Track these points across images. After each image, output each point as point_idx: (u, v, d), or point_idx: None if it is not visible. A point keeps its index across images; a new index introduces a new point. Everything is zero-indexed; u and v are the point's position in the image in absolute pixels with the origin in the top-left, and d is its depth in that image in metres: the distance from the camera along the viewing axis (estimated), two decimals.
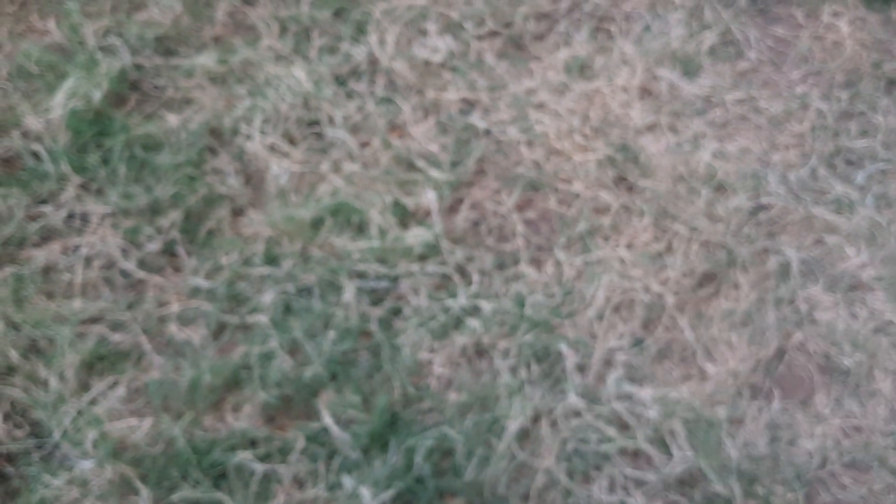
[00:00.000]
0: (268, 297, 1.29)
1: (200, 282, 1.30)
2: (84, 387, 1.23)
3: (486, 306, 1.30)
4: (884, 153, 1.46)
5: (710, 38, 1.54)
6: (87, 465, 1.16)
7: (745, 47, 1.55)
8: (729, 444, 1.22)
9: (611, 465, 1.21)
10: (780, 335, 1.31)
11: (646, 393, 1.24)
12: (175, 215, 1.34)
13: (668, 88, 1.49)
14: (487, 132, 1.44)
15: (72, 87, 1.42)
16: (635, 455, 1.22)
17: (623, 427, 1.23)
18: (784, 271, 1.35)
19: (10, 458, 1.18)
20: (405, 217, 1.36)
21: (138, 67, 1.48)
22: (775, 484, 1.21)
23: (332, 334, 1.26)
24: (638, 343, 1.29)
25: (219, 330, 1.28)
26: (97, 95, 1.42)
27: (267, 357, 1.25)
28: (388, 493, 1.16)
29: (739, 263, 1.34)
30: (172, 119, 1.42)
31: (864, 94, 1.52)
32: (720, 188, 1.40)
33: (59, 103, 1.40)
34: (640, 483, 1.20)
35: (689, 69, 1.51)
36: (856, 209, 1.40)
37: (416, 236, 1.33)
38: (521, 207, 1.40)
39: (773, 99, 1.50)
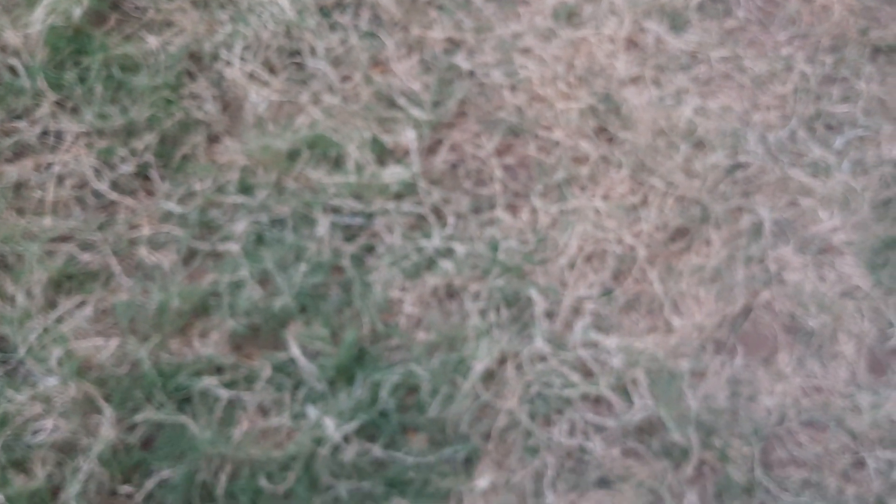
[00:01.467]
0: (240, 226, 1.28)
1: (173, 206, 1.29)
2: (51, 304, 1.22)
3: (460, 249, 1.30)
4: (863, 120, 1.46)
5: None
6: (51, 382, 1.16)
7: (734, 5, 1.54)
8: (689, 395, 1.24)
9: (572, 409, 1.22)
10: (747, 293, 1.32)
11: (611, 342, 1.26)
12: (150, 138, 1.32)
13: (655, 41, 1.48)
14: (471, 74, 1.43)
15: (52, 2, 1.39)
16: (597, 401, 1.24)
17: (587, 374, 1.25)
18: (756, 230, 1.36)
19: None
20: (383, 154, 1.35)
21: None
22: (732, 437, 1.23)
23: (303, 267, 1.26)
24: (607, 293, 1.30)
25: (189, 256, 1.27)
26: (77, 12, 1.39)
27: (237, 285, 1.24)
28: (352, 425, 1.17)
29: (713, 220, 1.35)
30: (152, 41, 1.39)
31: (848, 59, 1.52)
32: (699, 144, 1.40)
33: (39, 18, 1.37)
34: (599, 428, 1.22)
35: (677, 23, 1.50)
36: (832, 173, 1.41)
37: (393, 174, 1.33)
38: (500, 152, 1.39)
39: (758, 59, 1.50)
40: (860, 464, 1.25)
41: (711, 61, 1.49)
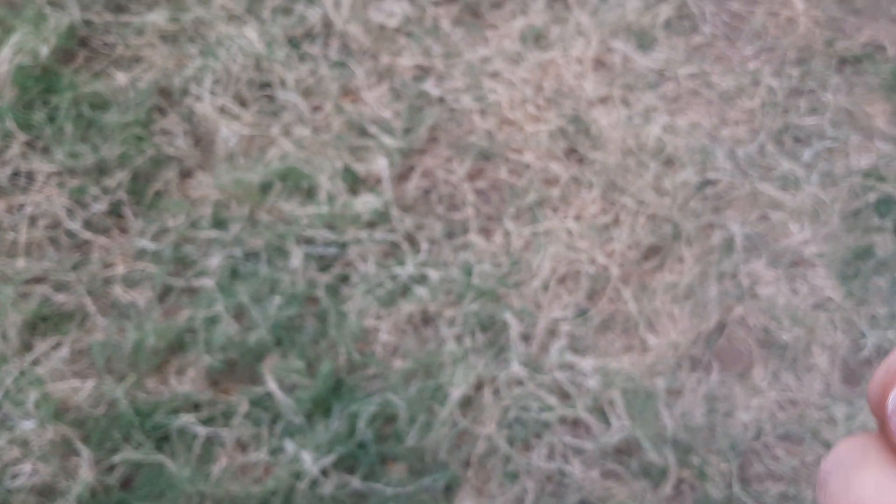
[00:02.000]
0: (214, 260, 1.28)
1: (146, 244, 1.29)
2: (27, 347, 1.22)
3: (434, 274, 1.31)
4: (831, 131, 1.48)
5: (665, 10, 1.54)
6: (28, 426, 1.16)
7: (700, 21, 1.56)
8: (666, 414, 1.25)
9: (550, 433, 1.23)
10: (721, 309, 1.33)
11: (587, 363, 1.27)
12: (122, 176, 1.33)
13: (622, 61, 1.49)
14: (441, 100, 1.44)
15: (19, 41, 1.39)
16: (574, 424, 1.25)
17: (564, 396, 1.25)
18: (728, 246, 1.37)
19: None
20: (355, 183, 1.36)
21: (88, 23, 1.45)
22: (710, 454, 1.24)
23: (278, 299, 1.26)
24: (582, 314, 1.31)
25: (164, 293, 1.28)
26: (44, 51, 1.39)
27: (212, 321, 1.25)
28: (330, 458, 1.17)
29: (684, 237, 1.36)
30: (121, 77, 1.40)
31: (815, 71, 1.53)
32: (669, 162, 1.42)
33: (6, 58, 1.37)
34: (578, 451, 1.23)
35: (644, 42, 1.51)
36: (801, 186, 1.42)
37: (365, 203, 1.33)
38: (472, 177, 1.40)
39: (726, 74, 1.51)
40: None
41: (679, 78, 1.50)
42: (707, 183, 1.41)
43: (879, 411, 0.24)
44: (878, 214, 1.41)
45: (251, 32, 1.44)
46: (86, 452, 1.15)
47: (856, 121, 1.50)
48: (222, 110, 1.39)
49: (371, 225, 1.33)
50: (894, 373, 0.24)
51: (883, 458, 0.24)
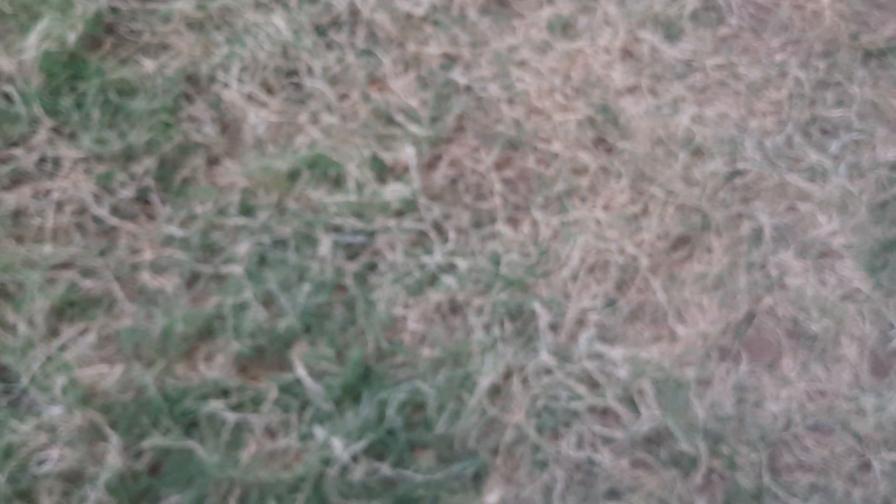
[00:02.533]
0: (242, 247, 1.28)
1: (174, 230, 1.29)
2: (54, 332, 1.22)
3: (462, 264, 1.30)
4: (858, 123, 1.47)
5: (692, 2, 1.53)
6: (55, 412, 1.16)
7: (727, 13, 1.55)
8: (696, 404, 1.24)
9: (580, 422, 1.22)
10: (750, 299, 1.32)
11: (616, 352, 1.26)
12: (149, 162, 1.32)
13: (650, 51, 1.49)
14: (468, 88, 1.43)
15: (46, 28, 1.39)
16: (604, 413, 1.24)
17: (593, 385, 1.25)
18: (756, 236, 1.36)
19: None
20: (383, 172, 1.35)
21: (114, 10, 1.44)
22: (740, 444, 1.23)
23: (306, 287, 1.26)
24: (611, 304, 1.30)
25: (192, 279, 1.27)
26: (72, 38, 1.39)
27: (241, 308, 1.24)
28: (360, 444, 1.17)
29: (713, 227, 1.35)
30: (148, 64, 1.39)
31: (841, 64, 1.53)
32: (697, 152, 1.41)
33: (33, 45, 1.37)
34: (607, 440, 1.22)
35: (671, 33, 1.51)
36: (829, 178, 1.42)
37: (393, 192, 1.33)
38: (499, 166, 1.40)
39: (753, 66, 1.51)
40: (866, 466, 1.25)
41: (706, 69, 1.49)
42: (736, 173, 1.40)
43: None
44: None
45: (278, 20, 1.43)
46: (114, 438, 1.15)
47: (882, 114, 1.49)
48: (250, 98, 1.39)
49: (399, 214, 1.33)
50: None
51: None
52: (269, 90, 1.40)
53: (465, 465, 1.19)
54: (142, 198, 1.31)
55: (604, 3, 1.53)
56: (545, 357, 1.25)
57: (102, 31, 1.43)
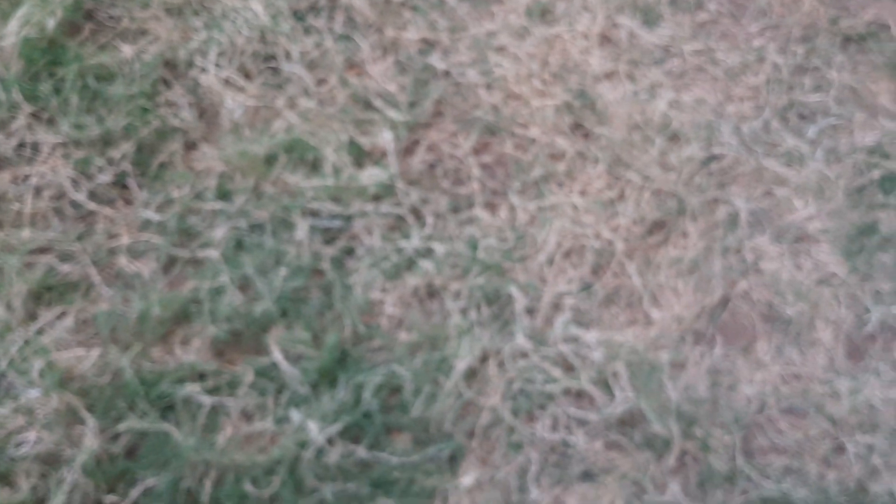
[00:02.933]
0: (219, 232, 1.28)
1: (151, 215, 1.29)
2: (31, 316, 1.22)
3: (440, 248, 1.31)
4: (836, 108, 1.48)
5: None
6: (33, 394, 1.16)
7: None
8: (670, 387, 1.25)
9: (554, 404, 1.23)
10: (725, 283, 1.33)
11: (591, 336, 1.27)
12: (127, 147, 1.32)
13: (628, 36, 1.49)
14: (446, 74, 1.44)
15: (25, 14, 1.38)
16: (578, 395, 1.25)
17: (568, 368, 1.26)
18: (732, 221, 1.37)
19: None
20: (360, 156, 1.36)
21: None
22: (714, 427, 1.24)
23: (283, 271, 1.26)
24: (586, 288, 1.31)
25: (169, 264, 1.27)
26: (51, 23, 1.39)
27: (217, 292, 1.25)
28: (336, 427, 1.17)
29: (689, 212, 1.36)
30: (127, 50, 1.39)
31: (819, 49, 1.53)
32: (674, 138, 1.42)
33: (12, 31, 1.37)
34: (582, 422, 1.23)
35: (649, 18, 1.51)
36: (805, 162, 1.42)
37: (371, 176, 1.33)
38: (477, 151, 1.40)
39: (731, 51, 1.51)
40: (840, 449, 1.26)
41: (684, 55, 1.50)
42: (712, 158, 1.41)
43: None
44: (883, 191, 1.41)
45: (256, 5, 1.43)
46: (91, 421, 1.16)
47: (860, 98, 1.50)
48: (227, 82, 1.39)
49: (376, 198, 1.33)
50: None
51: None
52: (247, 75, 1.41)
53: (440, 448, 1.19)
54: (119, 182, 1.32)
55: None
56: (521, 341, 1.26)
57: (81, 16, 1.43)
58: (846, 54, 1.54)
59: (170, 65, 1.41)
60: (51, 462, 1.14)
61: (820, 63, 1.52)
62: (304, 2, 1.47)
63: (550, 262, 1.32)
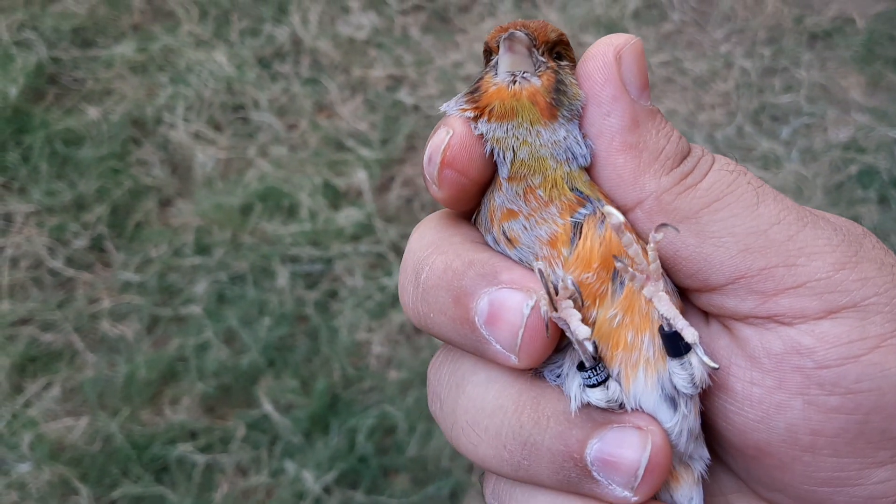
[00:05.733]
0: (200, 287, 1.27)
1: (131, 276, 1.28)
2: (17, 389, 1.21)
3: None
4: (808, 107, 1.48)
5: (633, 1, 1.54)
6: (24, 468, 1.15)
7: (669, 9, 1.56)
8: None
9: None
10: None
11: None
12: (101, 210, 1.32)
13: None
14: (416, 108, 1.43)
15: None
16: None
17: None
18: None
19: None
20: (336, 198, 1.35)
21: (55, 60, 1.44)
22: None
23: (267, 320, 1.25)
24: None
25: (152, 323, 1.26)
26: (13, 92, 1.39)
27: (202, 347, 1.24)
28: (332, 475, 1.16)
29: None
30: (93, 112, 1.39)
31: (786, 49, 1.53)
32: None
33: None
34: None
35: (613, 33, 1.51)
36: (782, 164, 1.42)
37: (347, 217, 1.33)
38: None
39: (698, 59, 1.51)
40: None
41: (652, 67, 1.50)
42: None
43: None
44: (862, 186, 1.41)
45: (220, 56, 1.43)
46: (85, 491, 1.14)
47: (831, 95, 1.50)
48: (197, 136, 1.39)
49: (355, 238, 1.33)
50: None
51: None
52: (217, 127, 1.40)
53: (440, 486, 1.18)
54: (96, 246, 1.31)
55: (545, 10, 1.53)
56: None
57: (45, 81, 1.43)
58: (813, 52, 1.54)
59: (138, 123, 1.40)
60: None
61: (788, 63, 1.52)
62: (269, 49, 1.47)
63: None
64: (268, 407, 1.20)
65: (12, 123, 1.36)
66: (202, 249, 1.31)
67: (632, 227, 0.32)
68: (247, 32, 1.48)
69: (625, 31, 1.43)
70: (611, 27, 1.51)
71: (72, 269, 1.29)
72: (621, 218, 0.31)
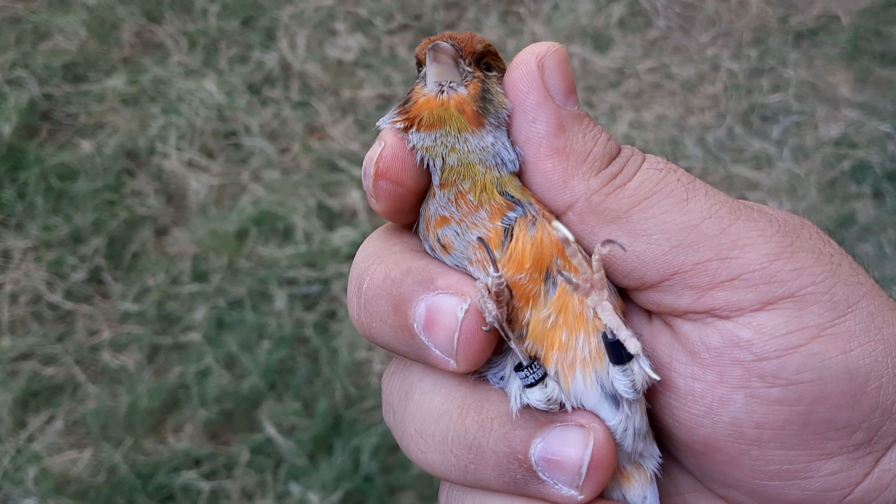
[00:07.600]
0: (199, 313, 1.28)
1: (129, 306, 1.29)
2: (20, 424, 1.21)
3: None
4: (797, 105, 1.48)
5: (618, 10, 1.55)
6: None
7: (654, 16, 1.57)
8: None
9: None
10: None
11: None
12: (98, 242, 1.32)
13: (581, 64, 1.50)
14: None
15: None
16: None
17: None
18: None
19: None
20: (331, 219, 1.35)
21: (48, 97, 1.46)
22: None
23: (267, 344, 1.26)
24: None
25: (153, 352, 1.27)
26: (7, 130, 1.40)
27: (203, 374, 1.24)
28: (337, 496, 1.16)
29: None
30: (86, 145, 1.40)
31: (772, 49, 1.54)
32: None
33: None
34: None
35: (600, 43, 1.52)
36: (774, 163, 1.42)
37: (342, 237, 1.33)
38: None
39: (685, 64, 1.52)
40: None
41: (639, 74, 1.50)
42: None
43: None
44: (855, 181, 1.41)
45: (210, 84, 1.44)
46: None
47: (820, 92, 1.50)
48: (190, 164, 1.39)
49: (351, 258, 1.32)
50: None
51: None
52: (210, 154, 1.41)
53: None
54: (94, 278, 1.32)
55: (531, 24, 1.54)
56: None
57: (38, 118, 1.44)
58: (800, 51, 1.55)
59: (131, 154, 1.41)
60: None
61: (775, 63, 1.53)
62: (258, 74, 1.48)
63: None
64: (271, 430, 1.20)
65: (7, 161, 1.37)
66: (199, 276, 1.31)
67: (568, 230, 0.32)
68: (236, 60, 1.49)
69: (611, 40, 1.45)
70: (597, 37, 1.52)
71: (71, 303, 1.29)
72: (568, 235, 0.31)
